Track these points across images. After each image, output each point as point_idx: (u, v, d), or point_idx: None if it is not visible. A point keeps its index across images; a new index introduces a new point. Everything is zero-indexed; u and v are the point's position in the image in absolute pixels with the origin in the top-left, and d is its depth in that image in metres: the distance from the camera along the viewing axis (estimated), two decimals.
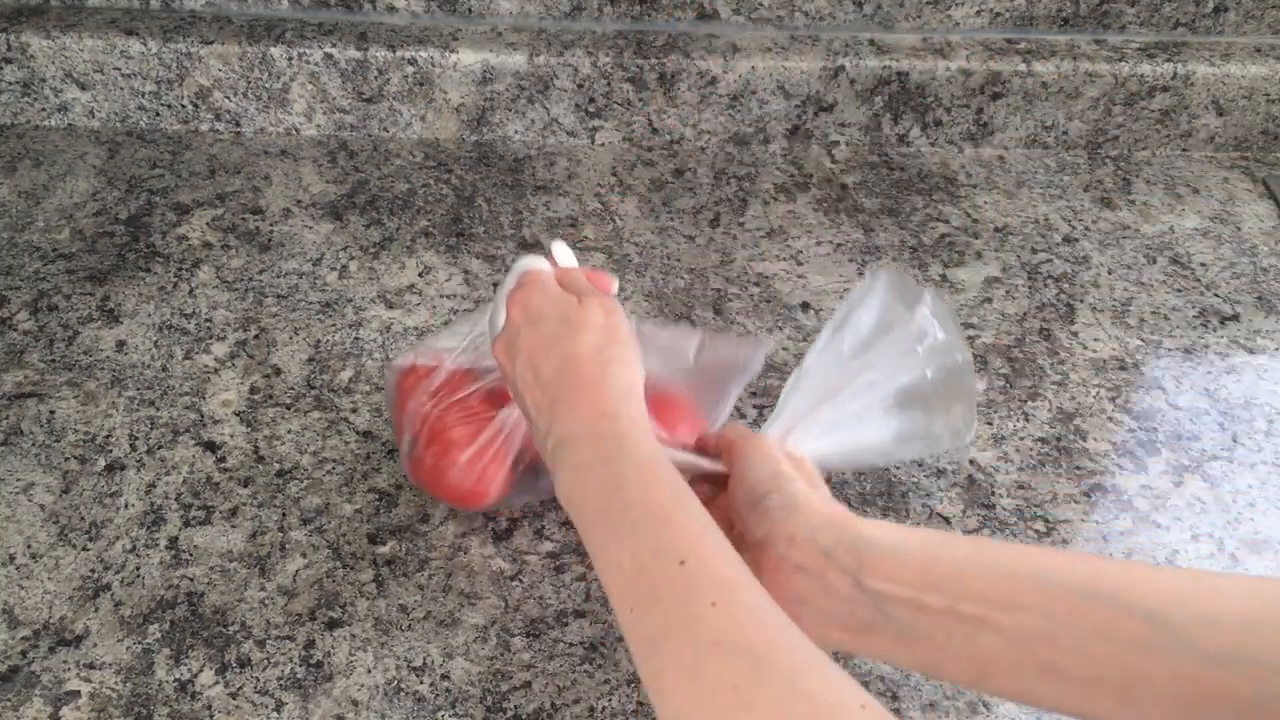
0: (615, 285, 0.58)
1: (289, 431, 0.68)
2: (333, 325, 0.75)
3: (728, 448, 0.53)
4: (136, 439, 0.67)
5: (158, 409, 0.69)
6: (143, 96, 0.90)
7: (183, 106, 0.90)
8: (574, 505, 0.46)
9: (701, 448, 0.56)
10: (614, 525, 0.43)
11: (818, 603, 0.43)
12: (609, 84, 0.90)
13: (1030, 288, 0.82)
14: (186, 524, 0.63)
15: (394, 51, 0.87)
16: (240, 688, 0.55)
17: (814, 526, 0.44)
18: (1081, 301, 0.81)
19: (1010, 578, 0.40)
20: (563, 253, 0.60)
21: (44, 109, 0.91)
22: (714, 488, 0.53)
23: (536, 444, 0.52)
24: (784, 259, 0.83)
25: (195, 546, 0.62)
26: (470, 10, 0.91)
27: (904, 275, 0.58)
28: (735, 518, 0.49)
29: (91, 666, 0.56)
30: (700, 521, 0.42)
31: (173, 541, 0.62)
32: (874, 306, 0.54)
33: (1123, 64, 0.91)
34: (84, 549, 0.61)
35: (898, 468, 0.68)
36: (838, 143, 0.95)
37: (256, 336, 0.74)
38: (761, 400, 0.72)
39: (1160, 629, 0.37)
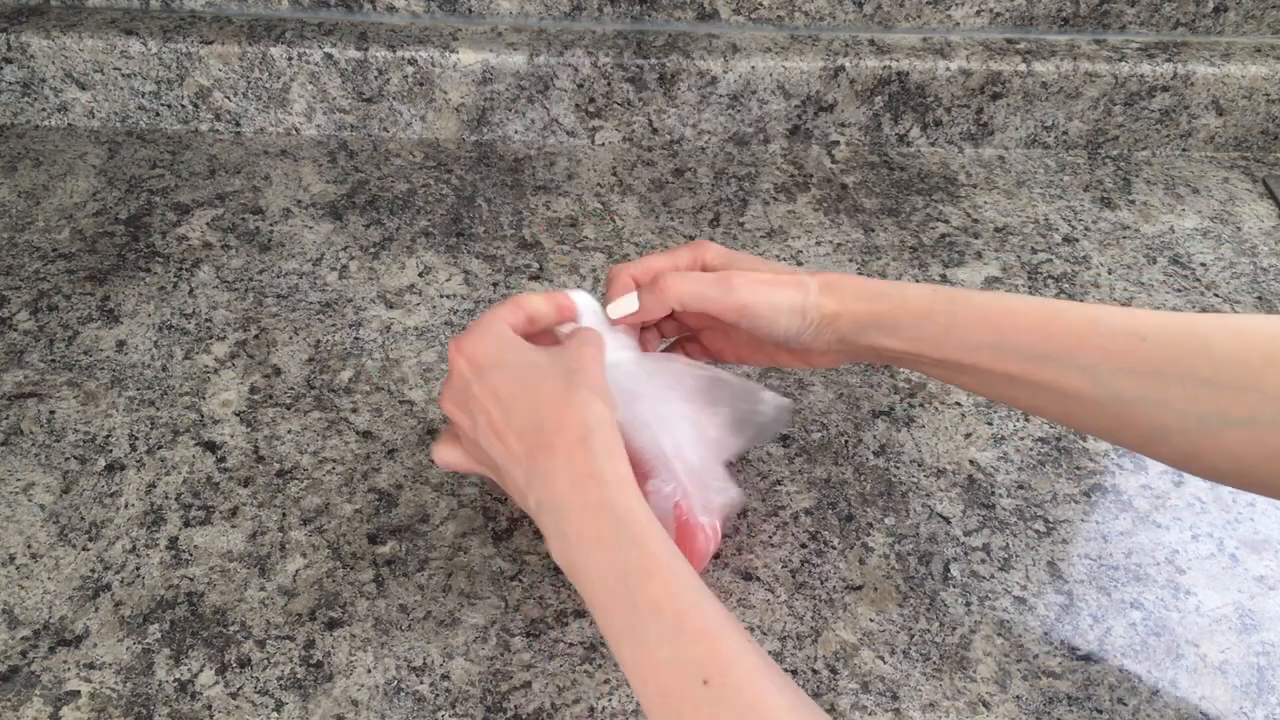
0: (579, 299, 0.56)
1: (289, 431, 0.68)
2: (333, 325, 0.75)
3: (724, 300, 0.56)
4: (136, 439, 0.67)
5: (158, 409, 0.69)
6: (143, 96, 0.90)
7: (183, 106, 0.90)
8: (572, 574, 0.46)
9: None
10: (622, 621, 0.42)
11: (856, 359, 0.58)
12: (609, 84, 0.90)
13: (1030, 288, 0.82)
14: (186, 524, 0.63)
15: (394, 51, 0.87)
16: (240, 688, 0.55)
17: (840, 331, 0.55)
18: (1082, 301, 0.81)
19: (976, 349, 0.52)
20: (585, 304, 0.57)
21: (44, 109, 0.91)
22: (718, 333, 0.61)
23: (513, 495, 0.49)
24: (784, 259, 0.83)
25: (195, 546, 0.62)
26: (470, 10, 0.91)
27: None
28: (767, 347, 0.59)
29: (91, 666, 0.56)
30: (711, 618, 0.41)
31: (173, 541, 0.62)
32: None
33: (1123, 64, 0.91)
34: (84, 549, 0.61)
35: (897, 468, 0.68)
36: (838, 143, 0.95)
37: (256, 336, 0.74)
38: None
39: (1092, 379, 0.49)
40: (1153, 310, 0.51)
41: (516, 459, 0.47)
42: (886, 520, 0.65)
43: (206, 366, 0.72)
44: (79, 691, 0.55)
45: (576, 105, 0.91)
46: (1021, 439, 0.71)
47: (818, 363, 0.60)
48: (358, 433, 0.68)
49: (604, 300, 0.58)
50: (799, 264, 0.83)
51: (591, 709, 0.55)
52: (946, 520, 0.66)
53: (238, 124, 0.92)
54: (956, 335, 0.53)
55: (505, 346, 0.50)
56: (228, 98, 0.90)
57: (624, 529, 0.43)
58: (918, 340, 0.54)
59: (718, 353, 0.62)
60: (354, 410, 0.70)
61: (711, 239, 0.84)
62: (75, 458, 0.66)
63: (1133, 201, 0.91)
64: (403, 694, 0.56)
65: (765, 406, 0.60)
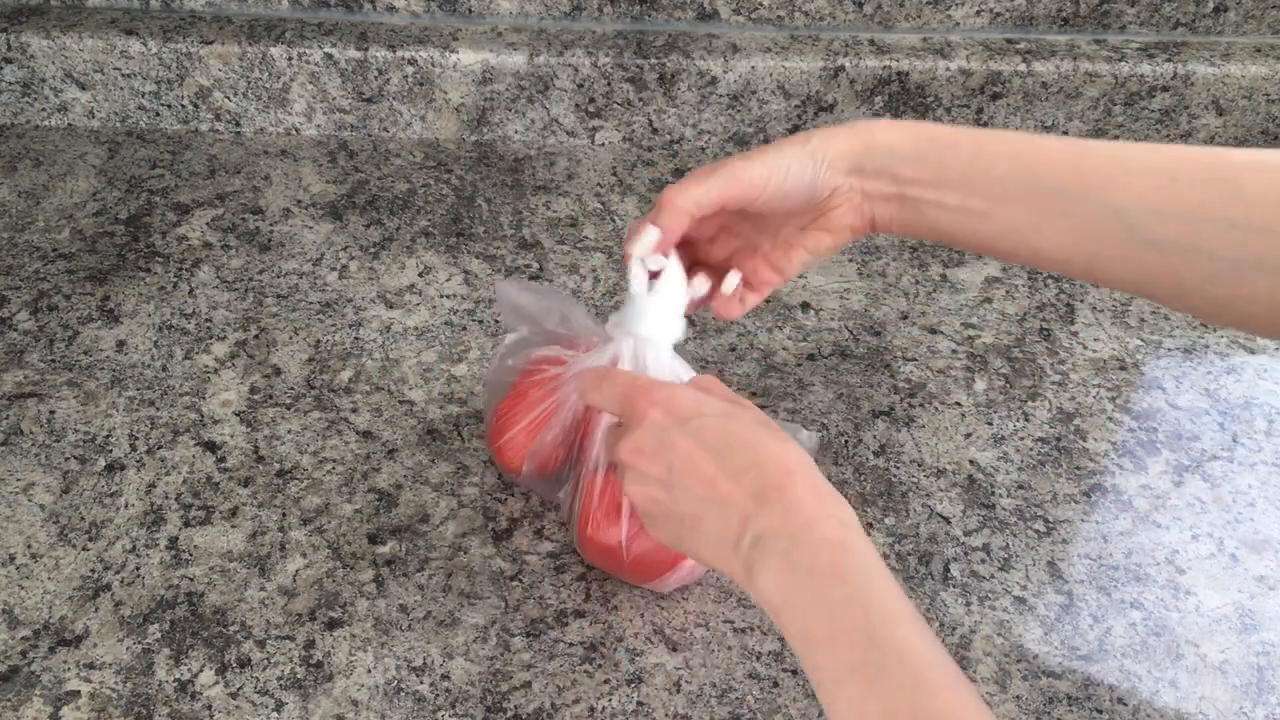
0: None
1: (289, 431, 0.68)
2: (333, 325, 0.75)
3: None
4: (136, 439, 0.67)
5: (158, 409, 0.69)
6: (143, 96, 0.90)
7: (183, 106, 0.91)
8: (788, 604, 0.43)
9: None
10: (855, 658, 0.41)
11: (883, 220, 0.54)
12: (609, 84, 0.90)
13: (1030, 288, 0.82)
14: (186, 524, 0.63)
15: (394, 51, 0.87)
16: (240, 688, 0.55)
17: (857, 163, 0.52)
18: (1081, 301, 0.81)
19: (1002, 181, 0.50)
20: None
21: (44, 109, 0.91)
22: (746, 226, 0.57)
23: (706, 540, 0.47)
24: None
25: (195, 546, 0.62)
26: (470, 10, 0.91)
27: None
28: (792, 234, 0.56)
29: (91, 666, 0.56)
30: (951, 673, 0.40)
31: (173, 541, 0.62)
32: None
33: (1123, 64, 0.91)
34: (84, 549, 0.61)
35: (897, 468, 0.68)
36: None
37: (256, 336, 0.74)
38: (762, 400, 0.72)
39: (1123, 223, 0.47)
40: (1181, 146, 0.49)
41: (732, 501, 0.46)
42: (886, 520, 0.65)
43: (206, 366, 0.72)
44: (79, 691, 0.55)
45: (576, 105, 0.91)
46: (1021, 439, 0.71)
47: (843, 223, 0.55)
48: (358, 433, 0.68)
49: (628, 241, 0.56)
50: None
51: (591, 709, 0.55)
52: (946, 520, 0.66)
53: (238, 124, 0.92)
54: (981, 166, 0.50)
55: (698, 398, 0.49)
56: (228, 98, 0.90)
57: (869, 569, 0.43)
58: (941, 170, 0.51)
59: (753, 274, 0.58)
60: (354, 410, 0.70)
61: None
62: (75, 458, 0.66)
63: None
64: (403, 694, 0.56)
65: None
